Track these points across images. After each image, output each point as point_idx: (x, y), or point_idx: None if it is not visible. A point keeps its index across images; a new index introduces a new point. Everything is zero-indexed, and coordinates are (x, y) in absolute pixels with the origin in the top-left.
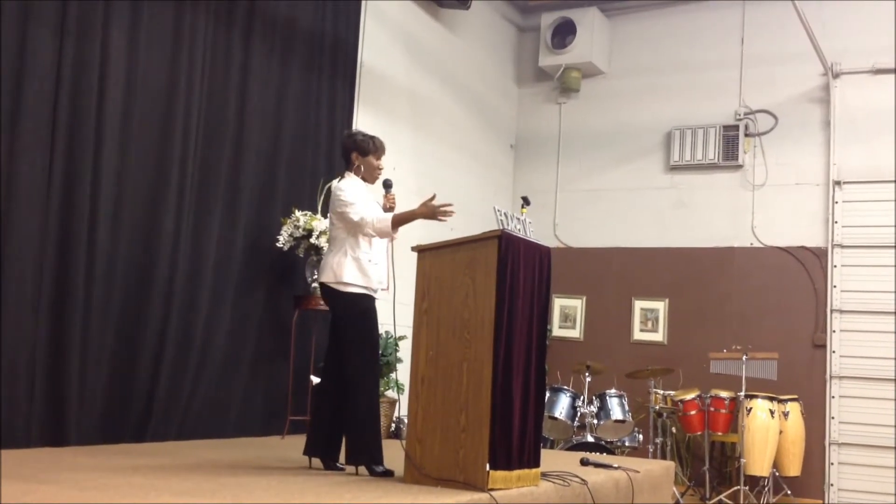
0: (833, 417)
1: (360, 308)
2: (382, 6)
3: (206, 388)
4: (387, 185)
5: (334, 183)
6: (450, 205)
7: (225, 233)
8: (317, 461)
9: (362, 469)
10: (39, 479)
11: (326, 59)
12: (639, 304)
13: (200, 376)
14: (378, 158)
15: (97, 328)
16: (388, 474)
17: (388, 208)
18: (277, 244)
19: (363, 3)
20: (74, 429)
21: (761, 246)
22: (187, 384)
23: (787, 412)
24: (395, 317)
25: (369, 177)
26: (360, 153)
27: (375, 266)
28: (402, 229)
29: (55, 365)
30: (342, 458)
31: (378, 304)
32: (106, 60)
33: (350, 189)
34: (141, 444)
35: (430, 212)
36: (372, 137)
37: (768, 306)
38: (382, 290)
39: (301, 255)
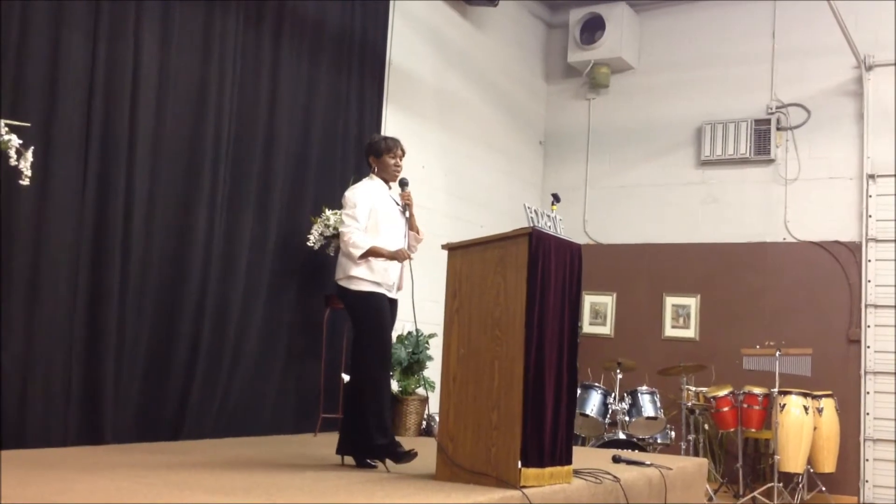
0: (868, 413)
1: (366, 304)
2: (411, 5)
3: (239, 386)
4: (402, 183)
5: (348, 189)
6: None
7: (256, 232)
8: (350, 458)
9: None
10: (76, 477)
11: (355, 58)
12: (670, 301)
13: (234, 375)
14: (393, 156)
15: (132, 328)
16: (407, 456)
17: (404, 205)
18: (308, 243)
19: (391, 2)
20: (110, 427)
21: (794, 241)
22: (221, 383)
23: (822, 408)
24: (416, 316)
25: (388, 175)
26: (374, 155)
27: (383, 264)
28: (429, 227)
29: (91, 364)
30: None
31: (402, 303)
32: (138, 62)
33: (357, 192)
34: (176, 442)
35: (394, 256)
36: (385, 138)
37: (802, 302)
38: (395, 290)
39: (331, 254)
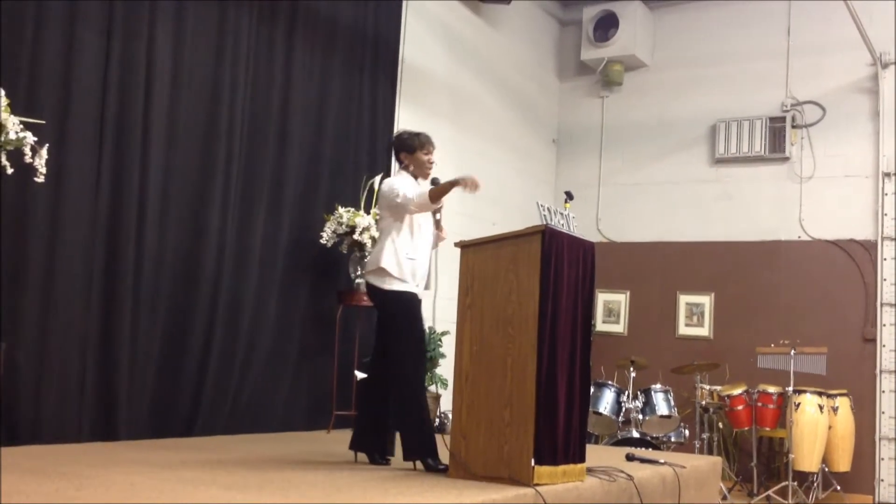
0: (883, 412)
1: (401, 303)
2: (423, 3)
3: (252, 382)
4: (434, 183)
5: (386, 180)
6: (477, 184)
7: (269, 229)
8: (363, 455)
9: (419, 464)
10: (91, 473)
11: (368, 56)
12: (684, 299)
13: (247, 371)
14: (427, 153)
15: (146, 324)
16: (437, 469)
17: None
18: (321, 240)
19: (404, 0)
20: (124, 424)
21: (809, 239)
22: (234, 379)
23: (837, 407)
24: (435, 314)
25: (420, 172)
26: (407, 151)
27: (412, 262)
28: (443, 224)
29: (105, 360)
30: (399, 454)
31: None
32: (152, 60)
33: (397, 181)
34: (189, 438)
35: (464, 182)
36: (417, 134)
37: (817, 300)
38: (421, 289)
39: (344, 252)
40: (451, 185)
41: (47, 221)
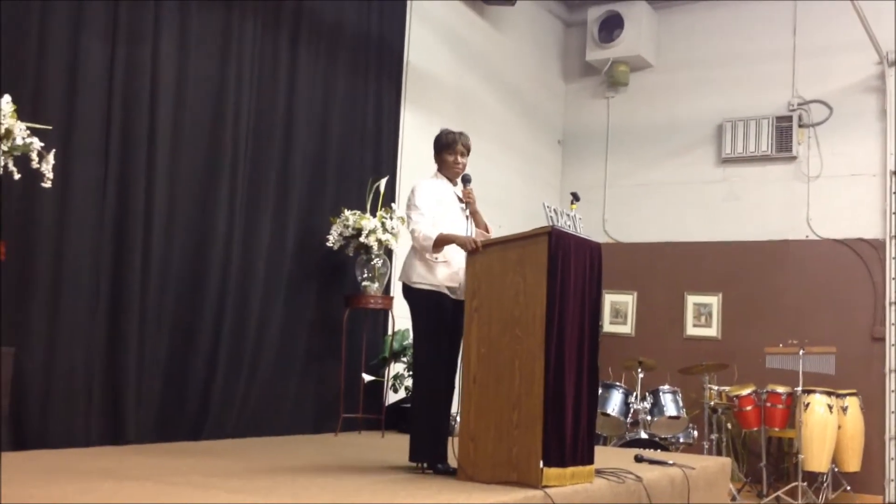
0: (893, 412)
1: (426, 305)
2: (428, 6)
3: (259, 386)
4: (465, 179)
5: (413, 185)
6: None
7: (276, 233)
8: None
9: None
10: (100, 477)
11: (372, 59)
12: (691, 299)
13: (254, 375)
14: (452, 153)
15: (153, 328)
16: (447, 472)
17: (465, 202)
18: (327, 244)
19: (408, 3)
20: (132, 428)
21: (817, 238)
22: (241, 383)
23: (846, 407)
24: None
25: (449, 173)
26: (435, 151)
27: (446, 265)
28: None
29: (113, 365)
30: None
31: None
32: (156, 65)
33: (422, 191)
34: (197, 442)
35: (467, 242)
36: (447, 132)
37: (825, 299)
38: (460, 292)
39: (351, 255)
40: (456, 241)
41: (54, 227)
